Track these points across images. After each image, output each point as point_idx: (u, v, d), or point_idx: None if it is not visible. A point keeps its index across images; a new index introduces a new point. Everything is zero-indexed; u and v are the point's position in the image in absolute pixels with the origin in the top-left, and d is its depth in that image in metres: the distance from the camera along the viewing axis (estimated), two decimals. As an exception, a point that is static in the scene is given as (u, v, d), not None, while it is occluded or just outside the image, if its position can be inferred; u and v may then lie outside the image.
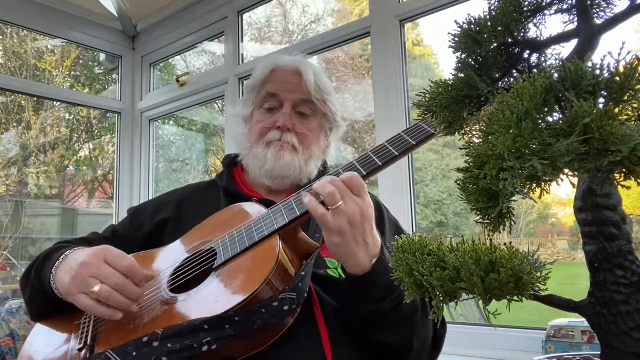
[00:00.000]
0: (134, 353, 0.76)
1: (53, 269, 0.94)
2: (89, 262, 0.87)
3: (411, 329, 0.90)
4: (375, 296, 0.86)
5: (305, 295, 0.86)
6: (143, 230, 1.15)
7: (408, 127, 0.96)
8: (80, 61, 4.92)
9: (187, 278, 0.93)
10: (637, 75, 0.38)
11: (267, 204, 1.00)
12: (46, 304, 0.98)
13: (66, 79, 5.03)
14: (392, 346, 0.92)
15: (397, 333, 0.89)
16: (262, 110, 1.16)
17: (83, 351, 0.87)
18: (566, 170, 0.38)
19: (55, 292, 0.93)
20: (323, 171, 1.20)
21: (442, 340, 1.00)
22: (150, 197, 2.74)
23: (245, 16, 2.53)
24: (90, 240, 1.13)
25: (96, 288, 0.84)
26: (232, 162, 1.23)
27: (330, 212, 0.82)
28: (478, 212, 0.45)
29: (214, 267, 0.90)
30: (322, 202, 0.84)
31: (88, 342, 0.88)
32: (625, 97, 0.39)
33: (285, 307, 0.81)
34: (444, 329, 0.99)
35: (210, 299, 0.84)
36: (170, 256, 1.02)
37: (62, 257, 0.95)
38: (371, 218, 0.86)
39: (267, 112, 1.15)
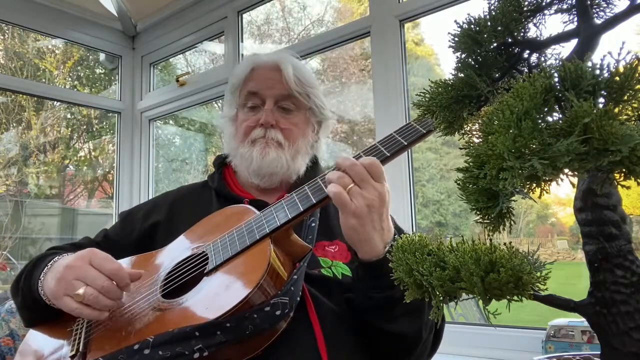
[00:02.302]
0: None
1: (42, 276, 0.94)
2: (74, 265, 0.87)
3: (420, 317, 0.89)
4: (388, 283, 0.84)
5: (298, 299, 0.85)
6: (135, 234, 1.14)
7: (400, 127, 0.96)
8: (84, 63, 4.92)
9: (179, 283, 0.92)
10: (637, 75, 0.38)
11: (259, 205, 0.99)
12: (37, 311, 0.98)
13: (67, 79, 5.03)
14: (401, 337, 0.91)
15: (406, 322, 0.89)
16: (245, 109, 1.16)
17: (75, 358, 0.86)
18: (566, 170, 0.38)
19: (43, 298, 0.93)
20: (313, 167, 1.19)
21: (442, 332, 1.00)
22: (150, 197, 2.74)
23: (245, 15, 2.53)
24: (82, 245, 1.12)
25: (81, 291, 0.83)
26: (223, 163, 1.22)
27: (348, 193, 0.83)
28: (478, 212, 0.44)
29: (205, 272, 0.89)
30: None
31: (80, 349, 0.87)
32: (625, 97, 0.39)
33: (278, 312, 0.80)
34: (443, 321, 0.99)
35: (202, 305, 0.83)
36: (163, 260, 1.01)
37: (50, 263, 0.95)
38: (388, 204, 0.86)
39: (250, 110, 1.15)
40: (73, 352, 0.87)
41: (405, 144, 0.92)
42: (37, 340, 1.00)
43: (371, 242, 0.84)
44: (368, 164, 0.86)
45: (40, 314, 0.99)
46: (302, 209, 0.88)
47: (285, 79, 1.11)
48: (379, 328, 0.91)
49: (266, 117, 1.10)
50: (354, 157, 0.95)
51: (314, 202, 0.88)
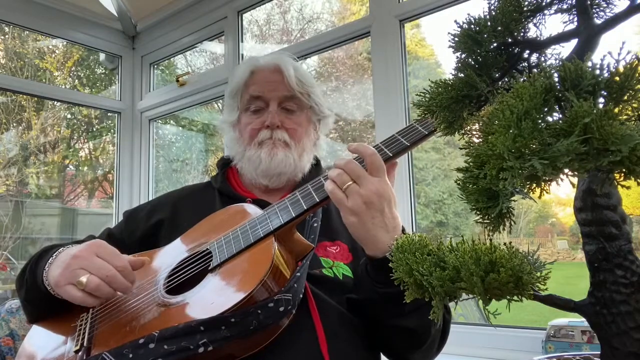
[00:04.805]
0: (131, 355, 0.76)
1: (47, 266, 0.95)
2: (79, 255, 0.88)
3: (429, 313, 0.89)
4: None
5: (301, 296, 0.86)
6: (139, 232, 1.15)
7: (402, 128, 0.97)
8: (84, 63, 4.92)
9: (183, 280, 0.93)
10: (637, 75, 0.38)
11: (262, 205, 1.00)
12: (41, 303, 0.98)
13: (67, 79, 5.03)
14: (410, 332, 0.90)
15: (416, 317, 0.88)
16: (248, 113, 1.17)
17: (80, 353, 0.86)
18: (566, 170, 0.38)
19: (47, 288, 0.93)
20: (316, 166, 1.21)
21: (449, 326, 1.00)
22: (150, 197, 2.75)
23: (246, 15, 2.53)
24: None
25: (83, 279, 0.84)
26: (226, 164, 1.24)
27: (346, 191, 0.84)
28: (478, 212, 0.44)
29: (209, 268, 0.90)
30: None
31: (85, 344, 0.87)
32: (625, 97, 0.39)
33: (281, 309, 0.81)
34: (450, 315, 0.99)
35: (206, 301, 0.84)
36: (166, 258, 1.02)
37: (56, 254, 0.96)
38: (390, 199, 0.86)
39: (253, 114, 1.16)
40: (77, 347, 0.87)
41: (408, 144, 0.92)
42: (40, 335, 1.00)
43: (374, 239, 0.84)
44: (367, 155, 0.86)
45: (44, 307, 0.99)
46: (305, 207, 0.89)
47: (287, 81, 1.12)
48: (387, 323, 0.91)
49: (272, 119, 1.12)
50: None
51: (317, 200, 0.90)
